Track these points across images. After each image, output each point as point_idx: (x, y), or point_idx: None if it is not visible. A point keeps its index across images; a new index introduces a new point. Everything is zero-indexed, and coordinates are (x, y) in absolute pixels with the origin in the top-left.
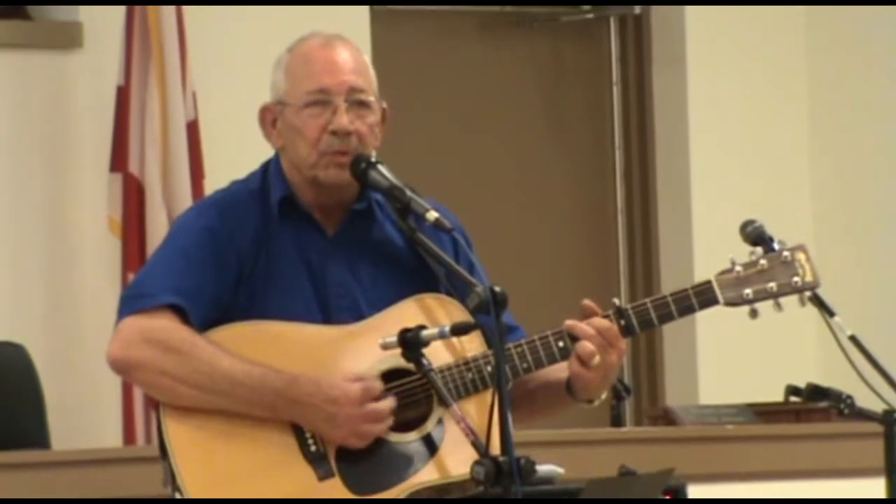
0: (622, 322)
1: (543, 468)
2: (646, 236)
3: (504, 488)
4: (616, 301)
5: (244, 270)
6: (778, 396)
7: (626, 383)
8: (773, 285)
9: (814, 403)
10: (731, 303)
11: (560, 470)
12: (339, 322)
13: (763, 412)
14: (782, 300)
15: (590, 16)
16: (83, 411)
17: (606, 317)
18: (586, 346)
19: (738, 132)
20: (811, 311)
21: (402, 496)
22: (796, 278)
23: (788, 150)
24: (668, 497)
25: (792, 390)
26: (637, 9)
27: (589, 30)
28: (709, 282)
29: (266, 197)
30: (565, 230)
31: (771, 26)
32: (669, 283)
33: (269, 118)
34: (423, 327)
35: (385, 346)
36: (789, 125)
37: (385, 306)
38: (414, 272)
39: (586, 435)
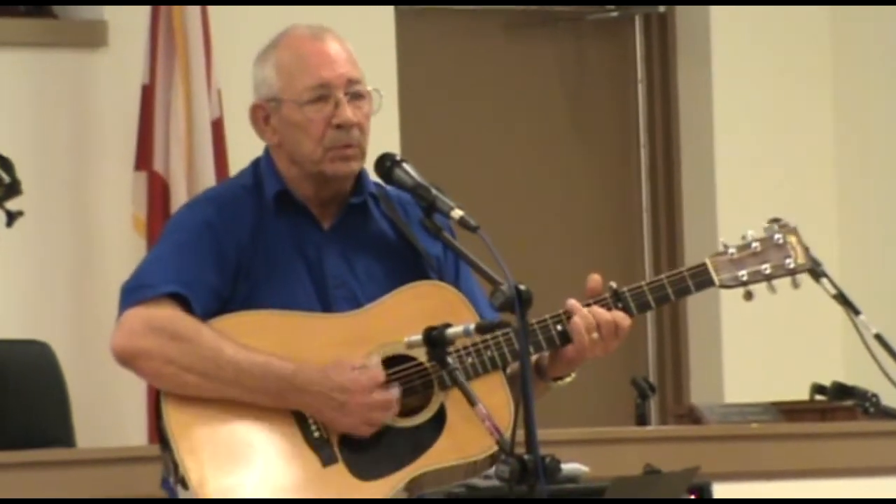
0: (619, 305)
1: (568, 467)
2: (671, 234)
3: (529, 487)
4: (613, 284)
5: (243, 264)
6: (803, 395)
7: (650, 382)
8: (766, 267)
9: (839, 402)
10: (725, 285)
11: (585, 468)
12: (338, 312)
13: (788, 410)
14: (777, 284)
15: (614, 14)
16: (108, 409)
17: (605, 300)
18: (583, 339)
19: (763, 130)
20: (836, 309)
21: (405, 481)
22: (789, 260)
23: (813, 148)
24: (692, 496)
25: (817, 389)
26: (662, 7)
27: (614, 28)
28: (703, 264)
29: (259, 192)
30: (590, 228)
31: (795, 24)
32: (700, 292)
33: (262, 115)
34: (447, 325)
35: (410, 345)
36: (814, 123)
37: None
38: (407, 265)
39: (611, 433)
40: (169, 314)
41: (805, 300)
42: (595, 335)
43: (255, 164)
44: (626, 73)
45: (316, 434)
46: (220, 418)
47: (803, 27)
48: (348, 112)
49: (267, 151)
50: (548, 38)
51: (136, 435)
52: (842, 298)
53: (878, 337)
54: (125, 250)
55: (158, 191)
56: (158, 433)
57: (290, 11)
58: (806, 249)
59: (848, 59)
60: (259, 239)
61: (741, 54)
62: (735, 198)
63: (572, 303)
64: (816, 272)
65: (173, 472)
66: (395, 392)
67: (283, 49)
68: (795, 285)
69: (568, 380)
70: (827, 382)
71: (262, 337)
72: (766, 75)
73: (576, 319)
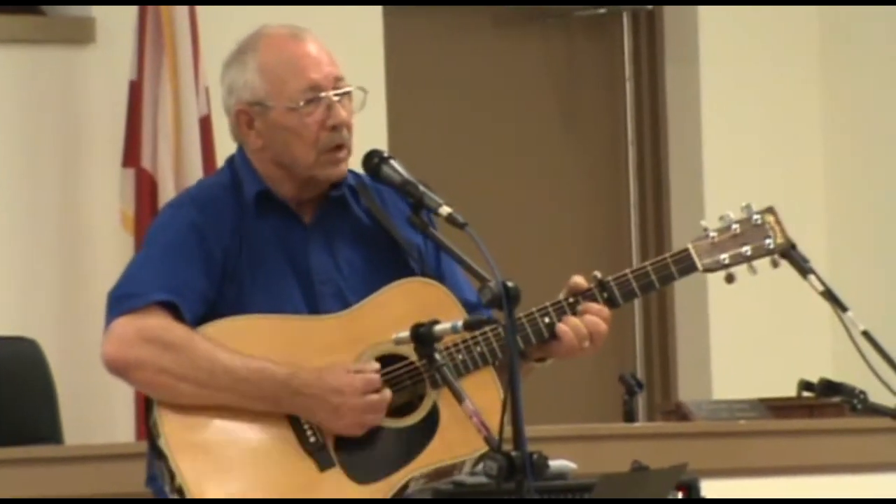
0: (605, 294)
1: (556, 463)
2: (659, 231)
3: (517, 484)
4: (597, 274)
5: (228, 265)
6: (791, 391)
7: (638, 378)
8: (747, 249)
9: (827, 398)
10: (708, 269)
11: (572, 465)
12: (325, 310)
13: (776, 407)
14: (757, 266)
15: (602, 12)
16: (96, 406)
17: (590, 291)
18: (572, 341)
19: (751, 128)
20: (824, 306)
21: (402, 482)
22: (768, 240)
23: (801, 145)
24: (680, 493)
25: (805, 385)
26: (650, 5)
27: (602, 26)
28: (686, 249)
29: (238, 192)
30: (579, 225)
31: (783, 22)
32: (683, 278)
33: (245, 120)
34: (435, 322)
35: (398, 342)
36: (802, 120)
37: (365, 291)
38: (388, 256)
39: (599, 430)
40: (161, 323)
41: (793, 297)
42: (587, 344)
43: (230, 162)
44: (615, 70)
45: (312, 439)
46: (215, 426)
47: (791, 25)
48: (343, 112)
49: (242, 150)
50: (536, 36)
51: (124, 432)
52: (829, 295)
53: (866, 334)
54: (113, 247)
55: (146, 187)
56: (148, 438)
57: (278, 11)
58: (783, 229)
59: (836, 58)
60: (242, 239)
61: (729, 52)
62: (723, 195)
63: (562, 328)
64: (791, 254)
65: (169, 482)
66: (387, 394)
67: (265, 51)
68: (775, 265)
69: (549, 361)
70: (815, 379)
71: (254, 342)
72: (754, 73)
73: (565, 329)
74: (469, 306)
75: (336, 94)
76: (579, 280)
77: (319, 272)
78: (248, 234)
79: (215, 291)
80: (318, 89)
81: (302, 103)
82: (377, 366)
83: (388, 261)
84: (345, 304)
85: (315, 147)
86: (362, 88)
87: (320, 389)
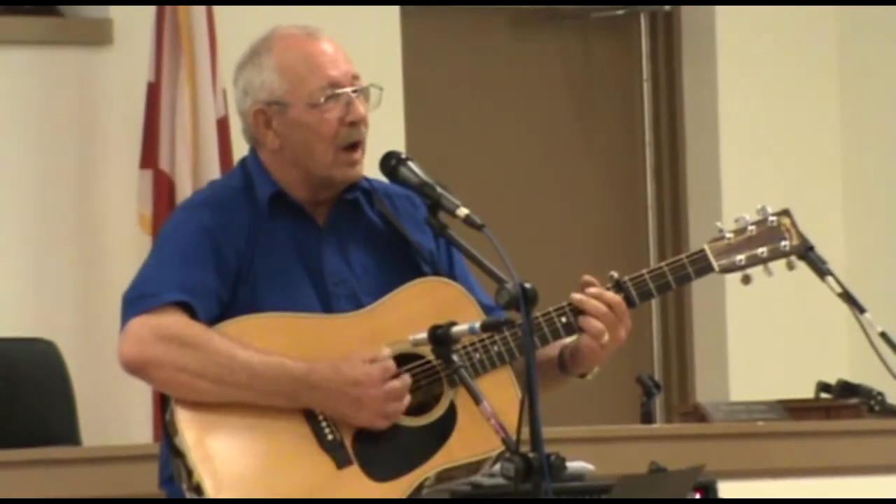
0: (621, 294)
1: (573, 465)
2: (676, 233)
3: (534, 485)
4: (614, 274)
5: (242, 267)
6: (809, 393)
7: (656, 380)
8: (763, 250)
9: (844, 400)
10: (724, 270)
11: (590, 467)
12: (339, 311)
13: (793, 409)
14: (773, 267)
15: (620, 13)
16: (113, 407)
17: (607, 290)
18: (595, 323)
19: (769, 128)
20: (842, 307)
21: (420, 480)
22: (784, 242)
23: (819, 146)
24: (698, 494)
25: (822, 387)
26: (667, 6)
27: (619, 26)
28: (702, 250)
29: (251, 194)
30: (596, 227)
31: (801, 23)
32: (699, 279)
33: (262, 120)
34: (453, 323)
35: (415, 343)
36: (820, 121)
37: (378, 292)
38: (400, 258)
39: (616, 431)
40: (177, 321)
41: (810, 298)
42: (607, 314)
43: (242, 164)
44: (632, 71)
45: (329, 437)
46: (233, 424)
47: (808, 26)
48: (361, 109)
49: (254, 152)
50: (553, 37)
51: (141, 433)
52: (847, 297)
53: (884, 335)
54: (131, 248)
55: (164, 189)
56: (165, 436)
57: (296, 11)
58: (799, 231)
59: (853, 58)
60: (255, 241)
61: (746, 52)
62: (740, 196)
63: (577, 297)
64: (809, 255)
65: (186, 479)
66: (406, 379)
67: (282, 51)
68: (791, 267)
69: (590, 376)
70: (832, 380)
71: (272, 341)
72: (771, 74)
73: (591, 303)
74: (482, 309)
75: (354, 91)
76: (590, 279)
77: (333, 274)
78: (262, 236)
79: (228, 293)
80: (337, 86)
81: (322, 100)
82: (389, 351)
83: (400, 263)
84: (358, 305)
85: (333, 143)
86: (378, 86)
87: (338, 383)
